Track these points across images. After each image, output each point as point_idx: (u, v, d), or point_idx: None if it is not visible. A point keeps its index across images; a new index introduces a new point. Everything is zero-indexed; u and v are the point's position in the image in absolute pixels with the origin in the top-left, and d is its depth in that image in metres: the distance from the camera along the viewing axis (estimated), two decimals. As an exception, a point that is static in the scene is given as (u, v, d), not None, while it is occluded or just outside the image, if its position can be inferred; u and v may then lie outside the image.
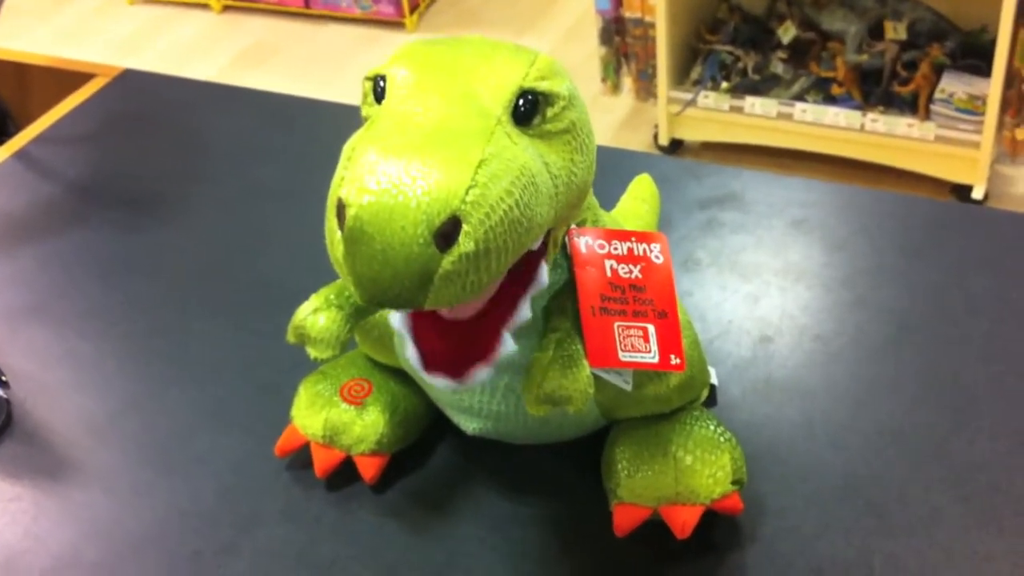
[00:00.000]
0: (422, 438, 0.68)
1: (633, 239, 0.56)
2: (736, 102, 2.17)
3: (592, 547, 0.60)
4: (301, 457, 0.67)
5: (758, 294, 0.77)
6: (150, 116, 1.08)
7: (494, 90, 0.48)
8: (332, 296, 0.58)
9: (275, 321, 0.78)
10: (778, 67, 2.18)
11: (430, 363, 0.49)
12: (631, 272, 0.55)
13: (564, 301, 0.55)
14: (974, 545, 0.58)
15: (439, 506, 0.64)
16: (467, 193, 0.43)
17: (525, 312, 0.50)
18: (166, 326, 0.80)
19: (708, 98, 2.19)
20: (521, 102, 0.48)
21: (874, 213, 0.84)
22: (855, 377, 0.69)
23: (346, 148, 0.47)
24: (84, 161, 1.01)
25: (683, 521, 0.57)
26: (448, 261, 0.43)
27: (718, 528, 0.60)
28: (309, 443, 0.65)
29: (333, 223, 0.45)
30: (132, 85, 1.12)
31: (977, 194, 2.02)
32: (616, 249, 0.55)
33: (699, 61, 2.26)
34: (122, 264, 0.87)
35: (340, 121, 1.03)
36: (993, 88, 1.89)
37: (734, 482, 0.58)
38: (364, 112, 0.52)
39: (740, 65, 2.21)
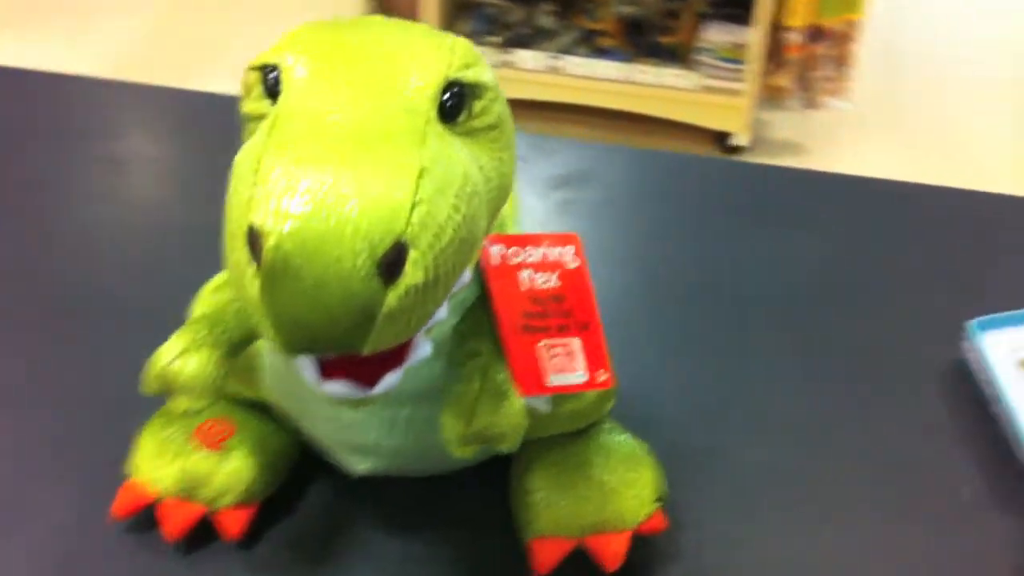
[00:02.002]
0: (292, 480, 0.59)
1: (546, 243, 0.49)
2: (506, 56, 2.13)
3: (503, 582, 0.54)
4: (145, 516, 0.56)
5: (621, 278, 0.72)
6: None
7: (416, 82, 0.40)
8: (203, 332, 0.48)
9: (96, 333, 0.67)
10: (546, 20, 2.16)
11: (329, 368, 0.41)
12: (549, 281, 0.49)
13: (479, 319, 0.48)
14: (892, 531, 0.57)
15: (322, 555, 0.56)
16: (412, 212, 0.36)
17: (442, 311, 0.43)
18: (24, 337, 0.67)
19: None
20: (447, 96, 0.41)
21: (725, 181, 0.82)
22: (744, 362, 0.67)
23: (244, 160, 0.38)
24: None
25: (614, 552, 0.51)
26: (394, 296, 0.36)
27: (637, 550, 0.54)
28: (157, 501, 0.55)
29: (242, 255, 0.36)
30: None
31: (740, 141, 2.09)
32: (530, 256, 0.49)
33: (465, 15, 2.20)
34: None
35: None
36: (754, 36, 1.95)
37: (657, 499, 0.53)
38: (249, 109, 0.42)
39: (508, 18, 2.17)
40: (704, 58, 2.03)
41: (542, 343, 0.47)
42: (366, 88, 0.39)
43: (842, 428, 0.62)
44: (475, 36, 2.15)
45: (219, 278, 0.56)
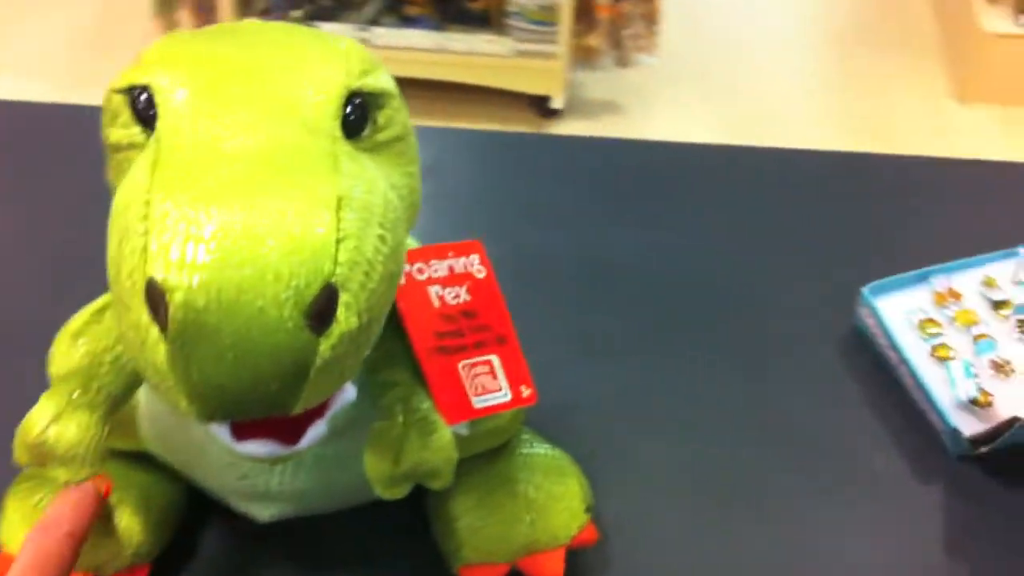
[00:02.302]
0: (185, 530, 0.53)
1: (450, 254, 0.46)
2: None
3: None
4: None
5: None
6: None
7: (315, 96, 0.36)
8: (76, 392, 0.41)
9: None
10: (349, -10, 2.09)
11: (243, 429, 0.36)
12: (459, 296, 0.45)
13: (391, 345, 0.43)
14: (817, 516, 0.56)
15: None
16: (338, 249, 0.32)
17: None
18: None
19: (280, 28, 2.05)
20: (349, 109, 0.37)
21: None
22: (610, 346, 0.65)
23: (126, 202, 0.33)
24: None
25: (552, 571, 0.49)
26: (327, 346, 0.32)
27: (568, 563, 0.51)
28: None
29: (140, 316, 0.31)
30: None
31: (556, 104, 2.09)
32: (436, 271, 0.45)
33: (263, -11, 2.11)
34: None
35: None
36: (562, -2, 1.94)
37: (587, 510, 0.51)
38: (116, 138, 0.37)
39: (309, -10, 2.09)
40: (514, 22, 2.02)
41: (461, 364, 0.44)
42: (260, 107, 0.34)
43: (750, 414, 0.61)
44: (276, 11, 2.06)
45: (76, 322, 0.49)
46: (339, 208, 0.33)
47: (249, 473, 0.46)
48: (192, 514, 0.53)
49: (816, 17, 2.50)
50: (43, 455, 0.41)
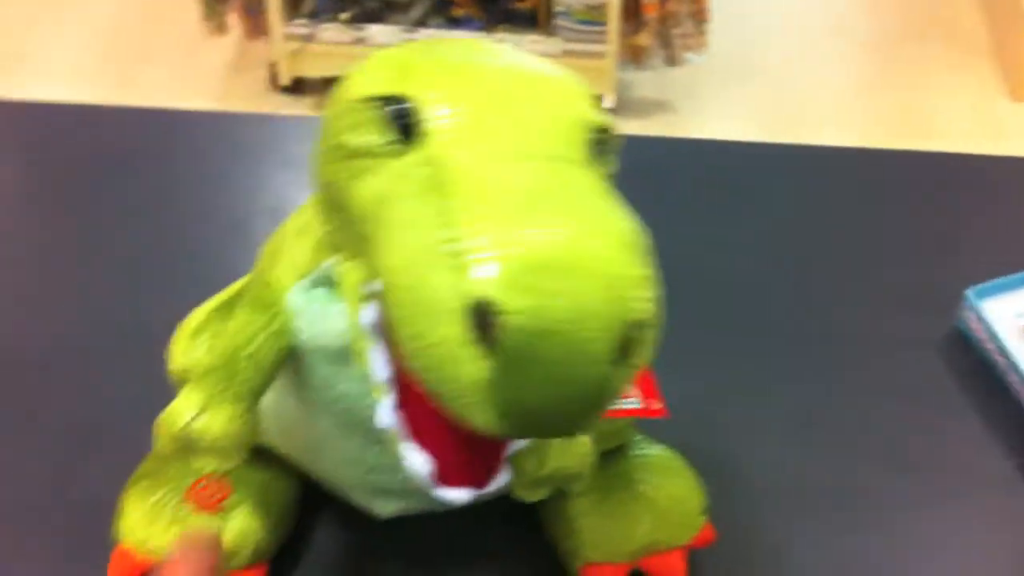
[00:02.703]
0: (301, 523, 0.53)
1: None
2: (358, 32, 2.06)
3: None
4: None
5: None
6: None
7: (570, 127, 0.35)
8: (220, 385, 0.42)
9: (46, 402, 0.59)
10: (395, -8, 2.09)
11: (449, 477, 0.36)
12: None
13: None
14: (920, 522, 0.55)
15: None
16: (646, 290, 0.31)
17: None
18: None
19: (328, 30, 2.06)
20: (597, 143, 0.36)
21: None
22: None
23: (414, 221, 0.32)
24: None
25: (676, 572, 0.48)
26: (623, 377, 0.31)
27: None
28: (153, 568, 0.49)
29: (457, 333, 0.30)
30: None
31: (607, 103, 2.08)
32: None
33: (310, -8, 2.11)
34: None
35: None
36: (611, -3, 1.94)
37: (704, 511, 0.51)
38: (356, 144, 0.36)
39: (356, -7, 2.09)
40: (562, 22, 2.01)
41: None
42: (534, 136, 0.34)
43: (849, 418, 0.60)
44: (323, 15, 2.06)
45: (194, 320, 0.50)
46: (637, 246, 0.32)
47: (376, 468, 0.46)
48: (309, 509, 0.53)
49: (864, 14, 2.48)
50: (188, 446, 0.42)
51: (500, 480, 0.37)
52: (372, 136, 0.36)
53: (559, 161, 0.34)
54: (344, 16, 2.07)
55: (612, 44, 1.98)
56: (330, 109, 0.38)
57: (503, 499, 0.52)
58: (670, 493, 0.50)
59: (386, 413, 0.36)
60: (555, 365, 0.30)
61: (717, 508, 0.53)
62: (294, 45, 2.06)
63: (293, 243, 0.43)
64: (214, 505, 0.49)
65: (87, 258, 0.70)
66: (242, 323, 0.43)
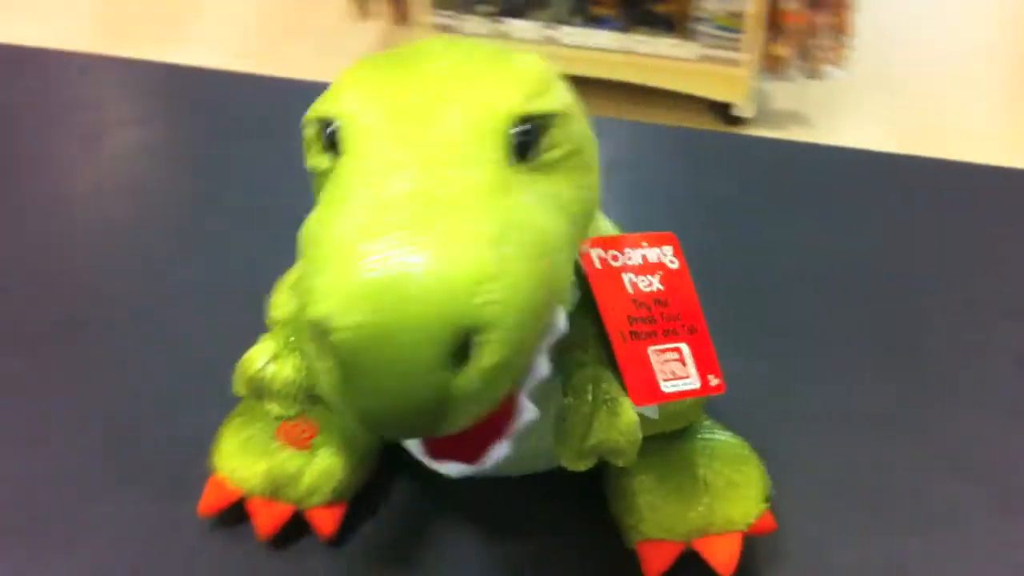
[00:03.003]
0: (381, 474, 0.58)
1: (644, 243, 0.49)
2: (499, 26, 2.11)
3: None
4: (232, 513, 0.56)
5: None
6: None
7: (484, 124, 0.38)
8: (292, 337, 0.46)
9: (167, 342, 0.66)
10: (540, -12, 2.13)
11: (436, 450, 0.39)
12: (651, 284, 0.48)
13: (583, 326, 0.46)
14: (992, 529, 0.56)
15: (411, 555, 0.55)
16: (493, 289, 0.34)
17: (542, 369, 0.40)
18: (45, 351, 0.65)
19: (470, 22, 2.12)
20: (517, 133, 0.38)
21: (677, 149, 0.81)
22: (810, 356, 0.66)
23: (307, 233, 0.36)
24: None
25: (728, 554, 0.50)
26: (467, 379, 0.34)
27: (744, 552, 0.52)
28: (244, 498, 0.54)
29: (312, 347, 0.35)
30: None
31: (740, 112, 2.08)
32: (630, 259, 0.48)
33: (458, -16, 2.17)
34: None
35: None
36: (752, 4, 1.94)
37: (765, 499, 0.52)
38: (312, 165, 0.40)
39: (501, -13, 2.15)
40: (702, 27, 2.02)
41: (651, 349, 0.47)
42: (425, 146, 0.37)
43: (927, 421, 0.61)
44: (467, 6, 2.12)
45: (293, 275, 0.54)
46: (500, 243, 0.34)
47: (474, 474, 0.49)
48: (390, 463, 0.58)
49: (1011, 37, 2.41)
50: (259, 389, 0.46)
51: (495, 456, 0.39)
52: (317, 155, 0.40)
53: (446, 166, 0.36)
54: (487, 9, 2.12)
55: (750, 52, 1.98)
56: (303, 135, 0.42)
57: (573, 474, 0.56)
58: (730, 478, 0.52)
59: None
60: (383, 374, 0.33)
61: (783, 504, 0.55)
62: (436, 34, 2.13)
63: None
64: (301, 443, 0.54)
65: (222, 209, 0.77)
66: None
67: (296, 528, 0.55)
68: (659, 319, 0.47)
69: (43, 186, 0.81)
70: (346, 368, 0.33)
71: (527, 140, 0.39)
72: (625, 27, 2.07)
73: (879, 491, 0.58)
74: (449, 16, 2.11)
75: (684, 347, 0.47)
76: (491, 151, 0.37)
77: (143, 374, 0.64)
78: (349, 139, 0.38)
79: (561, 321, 0.40)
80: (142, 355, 0.66)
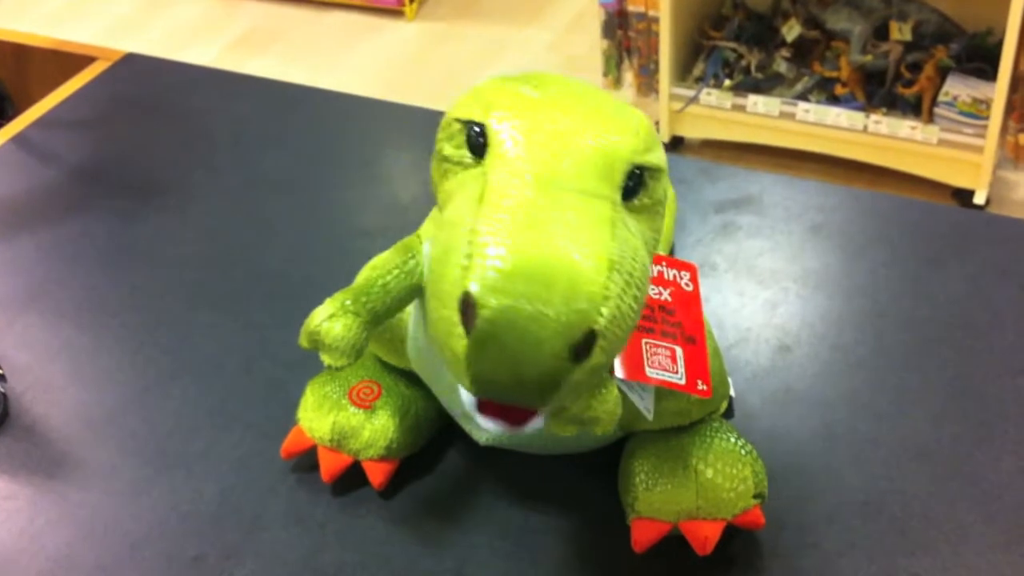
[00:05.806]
0: (432, 443, 0.66)
1: (664, 263, 0.55)
2: (738, 100, 2.15)
3: (607, 560, 0.59)
4: (307, 459, 0.65)
5: (776, 301, 0.75)
6: (153, 101, 1.05)
7: (610, 165, 0.46)
8: (348, 301, 0.55)
9: (280, 315, 0.77)
10: (781, 66, 2.16)
11: (487, 408, 0.46)
12: (660, 294, 0.54)
13: None
14: (1000, 566, 0.57)
15: (449, 513, 0.62)
16: (605, 307, 0.42)
17: None
18: (167, 318, 0.78)
19: (710, 95, 2.17)
20: (631, 179, 0.46)
21: (894, 220, 0.82)
22: (876, 388, 0.68)
23: (456, 223, 0.44)
24: (84, 146, 0.99)
25: (704, 536, 0.55)
26: (579, 372, 0.42)
27: (738, 543, 0.59)
28: (316, 446, 0.63)
29: (451, 314, 0.43)
30: (134, 69, 1.10)
31: (979, 199, 2.01)
32: (648, 270, 0.54)
33: (702, 57, 2.24)
34: (122, 253, 0.85)
35: (343, 110, 1.01)
36: (998, 92, 1.88)
37: (755, 496, 0.57)
38: (448, 153, 0.49)
39: (743, 63, 2.19)
40: (944, 111, 1.98)
41: (645, 341, 0.52)
42: (563, 167, 0.45)
43: (967, 459, 0.62)
44: (708, 79, 2.18)
45: (379, 258, 0.63)
46: (610, 271, 0.42)
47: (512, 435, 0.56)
48: (443, 435, 0.65)
49: None
50: (316, 342, 0.55)
51: (533, 426, 0.46)
52: (456, 148, 0.48)
53: (578, 193, 0.44)
54: (728, 84, 2.17)
55: (991, 140, 1.92)
56: (441, 125, 0.50)
57: (594, 456, 0.61)
58: (723, 472, 0.57)
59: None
60: (512, 352, 0.41)
61: (783, 509, 0.60)
62: (678, 105, 2.20)
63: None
64: (366, 403, 0.63)
65: (337, 195, 0.87)
66: (386, 259, 0.56)
67: (355, 479, 0.64)
68: (660, 322, 0.53)
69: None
70: (482, 340, 0.41)
71: (634, 185, 0.47)
72: (866, 107, 2.06)
73: (908, 517, 0.59)
74: (691, 88, 2.18)
75: (678, 350, 0.52)
76: (610, 188, 0.45)
77: (279, 341, 0.75)
78: (494, 146, 0.46)
79: None
80: (281, 324, 0.76)
